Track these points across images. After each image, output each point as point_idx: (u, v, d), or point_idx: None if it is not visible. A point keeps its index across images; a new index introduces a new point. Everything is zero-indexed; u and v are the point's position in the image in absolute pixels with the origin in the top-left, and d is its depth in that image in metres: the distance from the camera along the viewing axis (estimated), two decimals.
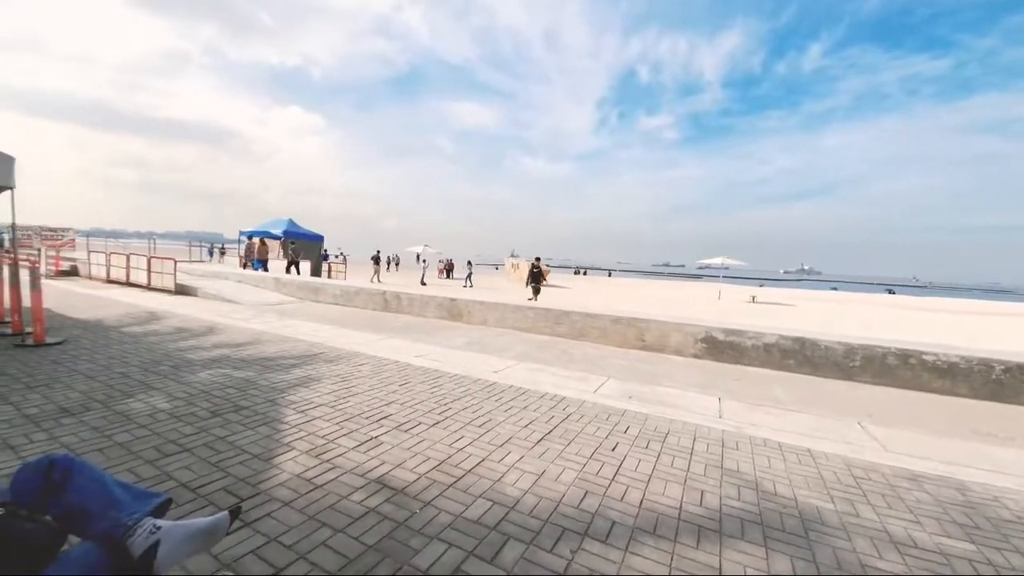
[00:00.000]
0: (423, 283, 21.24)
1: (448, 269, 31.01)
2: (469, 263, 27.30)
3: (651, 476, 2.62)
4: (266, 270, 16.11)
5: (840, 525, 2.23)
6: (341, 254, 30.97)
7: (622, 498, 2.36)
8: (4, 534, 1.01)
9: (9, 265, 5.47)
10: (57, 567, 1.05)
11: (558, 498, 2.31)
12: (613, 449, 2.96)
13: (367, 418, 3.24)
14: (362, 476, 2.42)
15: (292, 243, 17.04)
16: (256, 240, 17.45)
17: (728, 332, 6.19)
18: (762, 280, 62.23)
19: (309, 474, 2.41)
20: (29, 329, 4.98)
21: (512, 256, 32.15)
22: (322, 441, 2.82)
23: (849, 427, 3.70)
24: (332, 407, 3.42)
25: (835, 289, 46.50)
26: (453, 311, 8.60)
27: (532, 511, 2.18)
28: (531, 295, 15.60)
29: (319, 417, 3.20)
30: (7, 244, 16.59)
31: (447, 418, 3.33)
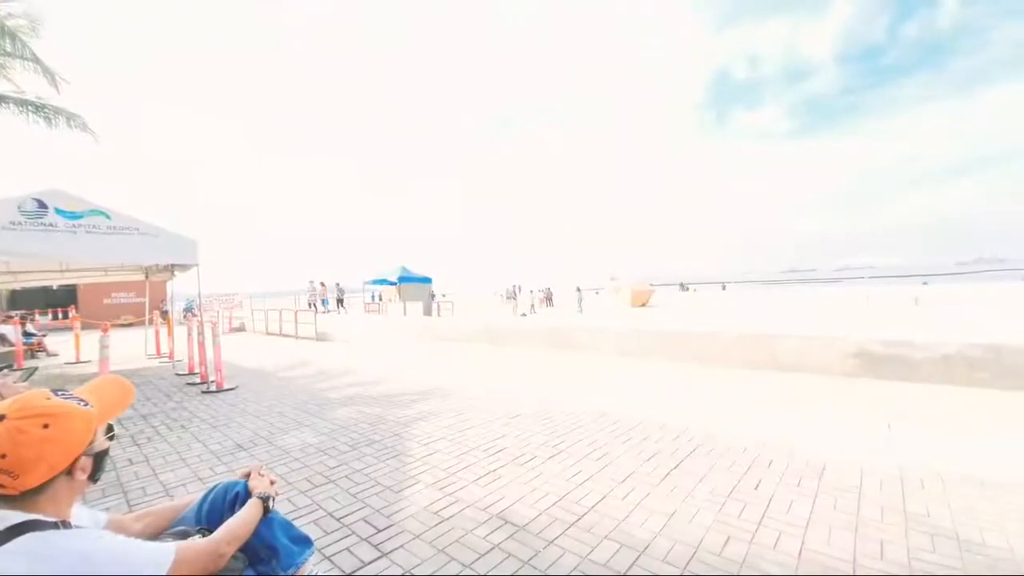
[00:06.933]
0: (524, 314, 21.62)
1: (548, 298, 31.23)
2: (578, 289, 27.88)
3: (809, 520, 2.22)
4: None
5: None
6: (445, 295, 33.12)
7: (775, 546, 2.02)
8: None
9: (197, 326, 6.80)
10: None
11: (695, 543, 2.07)
12: (756, 487, 2.59)
13: (483, 451, 3.29)
14: (483, 511, 2.43)
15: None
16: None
17: (889, 343, 5.19)
18: (926, 277, 50.54)
19: (435, 507, 2.49)
20: (212, 378, 6.06)
21: (612, 279, 31.14)
22: (444, 474, 2.91)
23: None
24: (450, 440, 3.54)
25: None
26: (557, 340, 8.55)
27: (666, 556, 1.97)
28: None
29: (440, 451, 3.33)
30: (194, 309, 20.87)
31: (561, 451, 3.24)
